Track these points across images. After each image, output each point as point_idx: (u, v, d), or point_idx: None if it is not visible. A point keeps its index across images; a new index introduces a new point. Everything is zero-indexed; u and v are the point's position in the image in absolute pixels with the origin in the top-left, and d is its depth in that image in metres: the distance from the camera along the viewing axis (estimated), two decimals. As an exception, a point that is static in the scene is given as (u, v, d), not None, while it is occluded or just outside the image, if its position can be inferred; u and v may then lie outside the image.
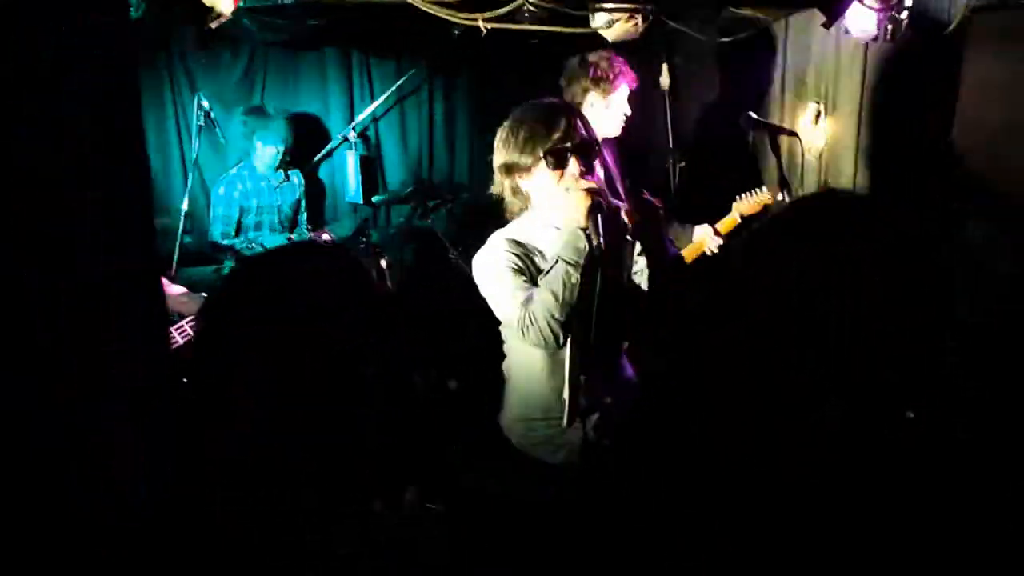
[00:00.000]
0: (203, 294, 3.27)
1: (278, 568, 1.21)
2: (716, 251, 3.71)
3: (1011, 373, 3.01)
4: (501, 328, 2.51)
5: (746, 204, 3.70)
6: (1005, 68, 3.00)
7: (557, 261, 2.20)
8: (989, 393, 2.89)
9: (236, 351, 1.23)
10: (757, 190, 3.70)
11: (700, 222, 3.80)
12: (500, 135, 2.34)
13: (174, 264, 4.12)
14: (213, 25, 2.43)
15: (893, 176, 3.70)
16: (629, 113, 3.48)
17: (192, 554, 1.19)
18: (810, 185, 4.15)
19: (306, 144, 5.13)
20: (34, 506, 1.09)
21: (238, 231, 4.64)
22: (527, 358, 2.43)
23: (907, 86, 3.56)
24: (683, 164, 4.66)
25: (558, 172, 2.23)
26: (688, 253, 3.74)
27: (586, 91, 3.43)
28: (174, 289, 3.29)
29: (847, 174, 4.00)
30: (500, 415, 2.59)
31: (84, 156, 1.07)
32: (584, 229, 2.18)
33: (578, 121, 2.26)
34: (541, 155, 2.22)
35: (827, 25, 2.87)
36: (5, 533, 1.07)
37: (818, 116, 4.05)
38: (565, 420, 2.40)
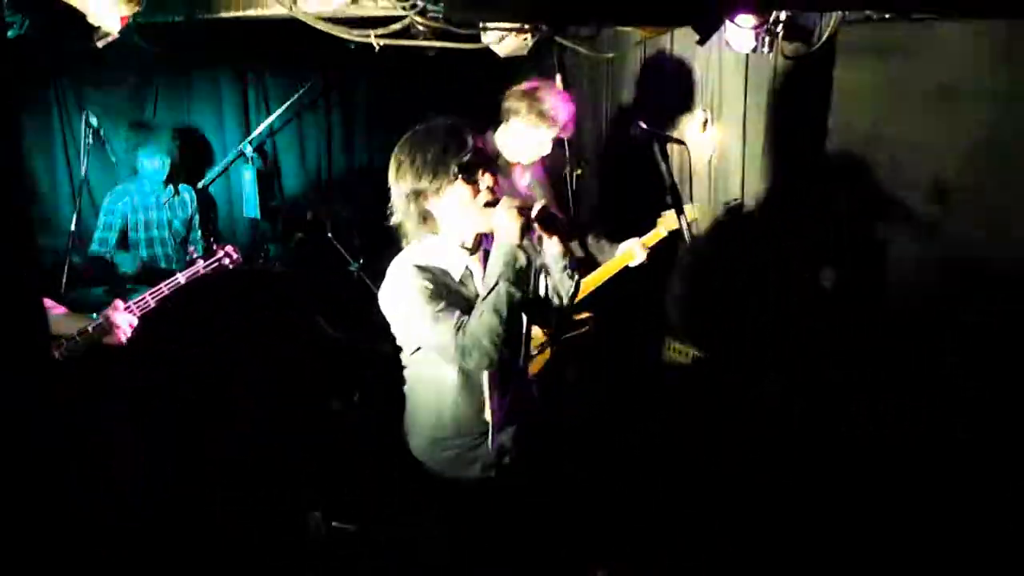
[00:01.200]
0: (92, 315, 3.21)
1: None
2: (642, 263, 3.83)
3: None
4: (404, 354, 2.50)
5: (672, 219, 3.80)
6: (871, 78, 3.20)
7: (498, 283, 2.18)
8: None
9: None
10: (684, 207, 3.81)
11: (603, 231, 3.92)
12: (400, 163, 2.29)
13: (63, 284, 4.02)
14: (100, 44, 2.39)
15: (778, 181, 3.89)
16: (547, 152, 3.57)
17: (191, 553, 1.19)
18: (700, 192, 4.32)
19: (200, 160, 5.06)
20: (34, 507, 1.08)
21: (124, 246, 4.54)
22: (436, 377, 2.43)
23: (785, 95, 3.75)
24: (579, 172, 4.77)
25: (472, 187, 2.24)
26: (612, 265, 3.84)
27: (514, 114, 3.50)
28: (57, 310, 3.24)
29: (735, 181, 4.17)
30: (409, 441, 2.59)
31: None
32: (520, 246, 2.19)
33: (478, 136, 2.27)
34: (453, 174, 2.20)
35: (701, 43, 3.02)
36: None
37: (705, 124, 4.21)
38: (490, 439, 2.47)
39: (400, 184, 2.29)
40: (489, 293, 2.19)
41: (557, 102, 3.47)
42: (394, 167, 2.30)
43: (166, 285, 3.55)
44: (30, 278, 1.29)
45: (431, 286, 2.27)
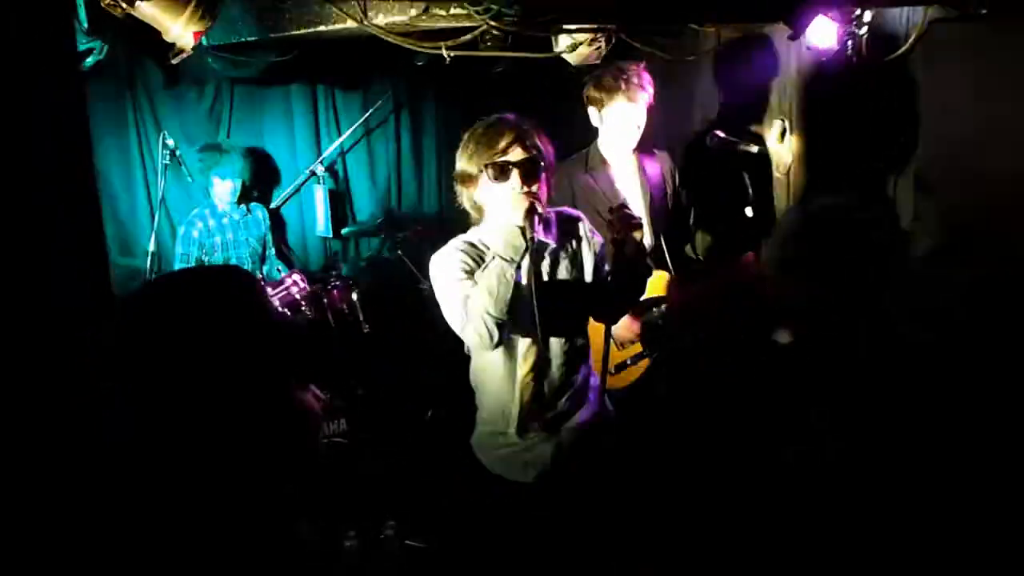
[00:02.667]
0: None
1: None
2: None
3: (960, 384, 3.02)
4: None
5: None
6: (966, 79, 3.03)
7: (493, 258, 2.24)
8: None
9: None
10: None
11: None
12: (458, 150, 2.43)
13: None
14: (175, 61, 2.40)
15: (864, 191, 3.73)
16: (639, 126, 3.46)
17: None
18: (779, 201, 4.18)
19: (273, 180, 5.11)
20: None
21: None
22: (488, 366, 2.49)
23: (869, 100, 3.59)
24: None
25: (499, 183, 2.30)
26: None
27: (593, 104, 3.46)
28: None
29: (814, 188, 4.03)
30: (473, 434, 2.61)
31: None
32: (520, 227, 2.24)
33: (523, 136, 2.31)
34: (483, 168, 2.31)
35: (793, 37, 2.91)
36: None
37: (783, 133, 4.08)
38: (513, 427, 2.45)
39: (456, 171, 2.43)
40: (485, 268, 2.27)
41: (619, 72, 3.38)
42: (459, 151, 2.44)
43: None
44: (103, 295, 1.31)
45: (469, 262, 2.37)
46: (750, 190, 3.10)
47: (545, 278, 2.42)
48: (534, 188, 2.30)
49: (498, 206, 2.34)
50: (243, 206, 4.69)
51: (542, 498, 2.46)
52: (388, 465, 3.63)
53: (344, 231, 5.00)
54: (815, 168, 3.99)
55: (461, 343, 2.54)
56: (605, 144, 3.55)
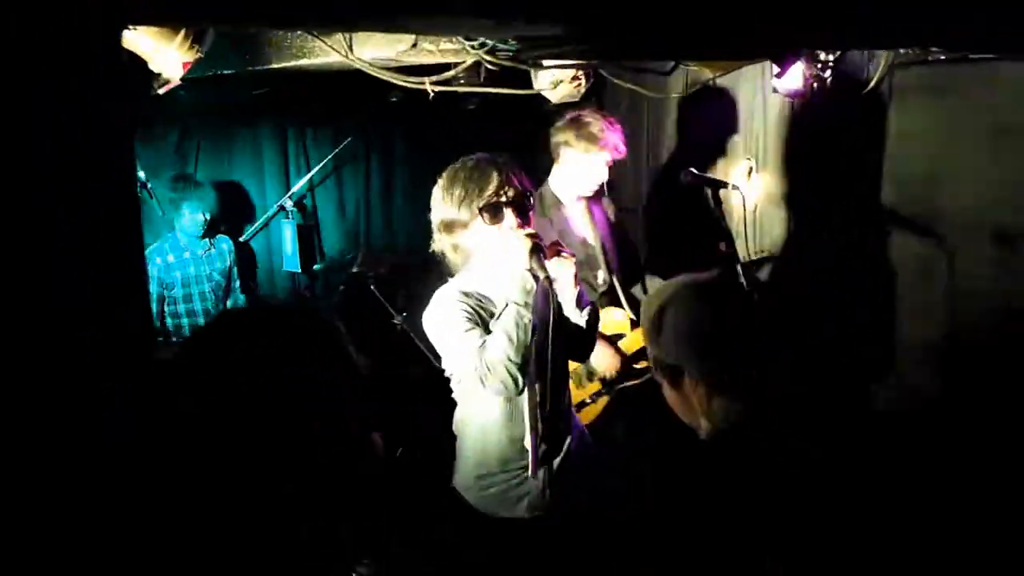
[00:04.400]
0: None
1: None
2: None
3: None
4: (453, 384, 2.51)
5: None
6: (927, 121, 3.14)
7: (507, 304, 2.22)
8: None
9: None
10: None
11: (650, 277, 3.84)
12: (436, 194, 2.38)
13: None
14: (161, 91, 2.39)
15: (825, 228, 3.82)
16: (605, 179, 3.51)
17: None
18: (740, 243, 4.25)
19: (241, 214, 5.07)
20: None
21: (160, 308, 4.50)
22: (483, 409, 2.44)
23: (834, 141, 3.69)
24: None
25: (495, 225, 2.28)
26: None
27: (563, 145, 3.47)
28: None
29: (780, 228, 4.11)
30: (455, 478, 2.56)
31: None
32: (529, 269, 2.22)
33: (510, 174, 2.32)
34: (477, 211, 2.27)
35: (780, 75, 3.00)
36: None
37: (750, 172, 4.17)
38: (530, 469, 2.39)
39: (435, 214, 2.39)
40: (498, 316, 2.25)
41: (604, 124, 3.42)
42: (433, 196, 2.40)
43: None
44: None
45: (470, 310, 2.33)
46: (723, 225, 3.16)
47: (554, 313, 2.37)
48: (528, 226, 2.30)
49: (491, 249, 2.32)
50: (206, 240, 4.63)
51: (539, 531, 2.44)
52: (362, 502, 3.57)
53: (316, 267, 4.97)
54: (781, 207, 4.08)
55: (437, 380, 2.52)
56: (560, 186, 3.58)
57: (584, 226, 3.64)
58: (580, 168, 3.48)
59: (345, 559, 1.24)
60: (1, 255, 1.20)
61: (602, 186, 3.62)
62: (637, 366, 3.57)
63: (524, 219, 2.32)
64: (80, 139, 1.27)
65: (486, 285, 2.41)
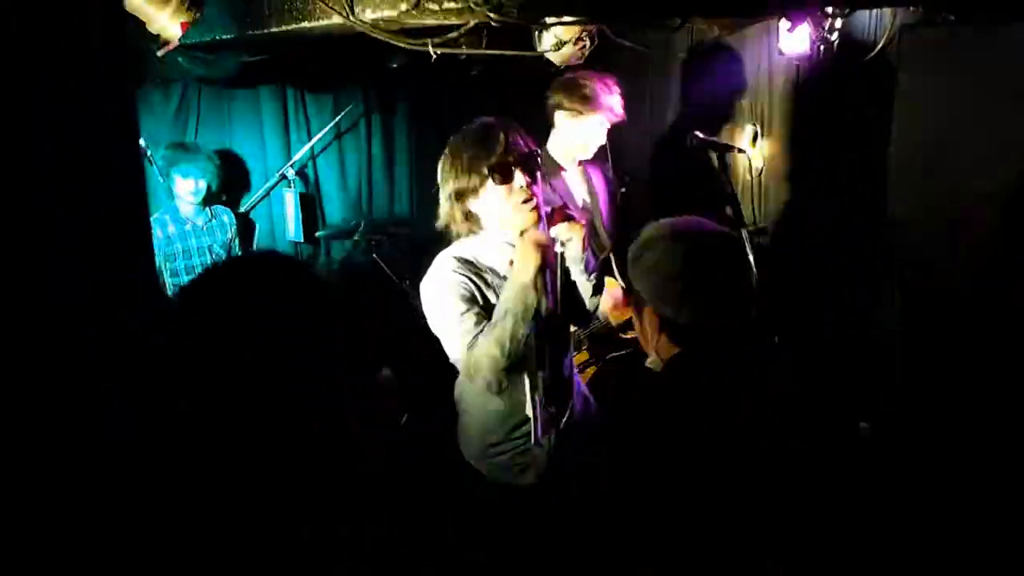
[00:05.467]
0: None
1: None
2: None
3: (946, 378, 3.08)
4: (451, 357, 2.45)
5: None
6: (934, 83, 3.11)
7: (506, 316, 2.19)
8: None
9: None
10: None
11: None
12: (443, 164, 2.35)
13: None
14: (160, 53, 2.36)
15: (830, 193, 3.80)
16: (602, 142, 3.44)
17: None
18: (747, 203, 4.23)
19: (242, 184, 5.03)
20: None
21: (162, 279, 4.48)
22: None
23: (840, 105, 3.66)
24: (623, 190, 4.70)
25: (506, 187, 2.26)
26: None
27: (557, 108, 3.41)
28: None
29: (785, 193, 4.09)
30: (463, 449, 2.56)
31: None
32: (534, 286, 2.20)
33: (515, 135, 2.29)
34: (487, 172, 2.24)
35: (791, 30, 2.95)
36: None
37: (755, 137, 4.14)
38: (532, 436, 2.38)
39: (444, 184, 2.36)
40: (496, 326, 2.21)
41: (599, 85, 3.34)
42: (439, 169, 2.37)
43: None
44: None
45: (467, 284, 2.30)
46: (729, 190, 3.13)
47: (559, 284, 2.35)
48: (537, 185, 2.29)
49: (500, 214, 2.31)
50: (207, 210, 4.59)
51: (545, 498, 2.43)
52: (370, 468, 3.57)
53: (318, 234, 4.94)
54: (787, 172, 4.05)
55: (440, 349, 2.50)
56: (559, 150, 3.51)
57: (582, 192, 3.59)
58: (575, 132, 3.41)
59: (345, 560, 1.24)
60: (1, 255, 1.20)
61: (604, 151, 3.57)
62: (625, 336, 3.56)
63: (533, 178, 2.30)
64: (80, 139, 1.26)
65: (490, 254, 2.38)
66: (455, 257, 2.35)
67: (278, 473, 1.16)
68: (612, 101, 3.37)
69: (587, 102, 3.32)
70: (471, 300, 2.28)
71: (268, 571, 1.15)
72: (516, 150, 2.27)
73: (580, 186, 3.59)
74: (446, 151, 2.35)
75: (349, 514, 1.24)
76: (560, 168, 3.51)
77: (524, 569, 2.38)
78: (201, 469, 1.14)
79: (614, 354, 3.57)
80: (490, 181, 2.25)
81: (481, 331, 2.23)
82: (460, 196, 2.32)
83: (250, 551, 1.14)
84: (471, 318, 2.25)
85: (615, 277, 3.63)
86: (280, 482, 1.16)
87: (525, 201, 2.27)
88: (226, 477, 1.15)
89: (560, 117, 3.42)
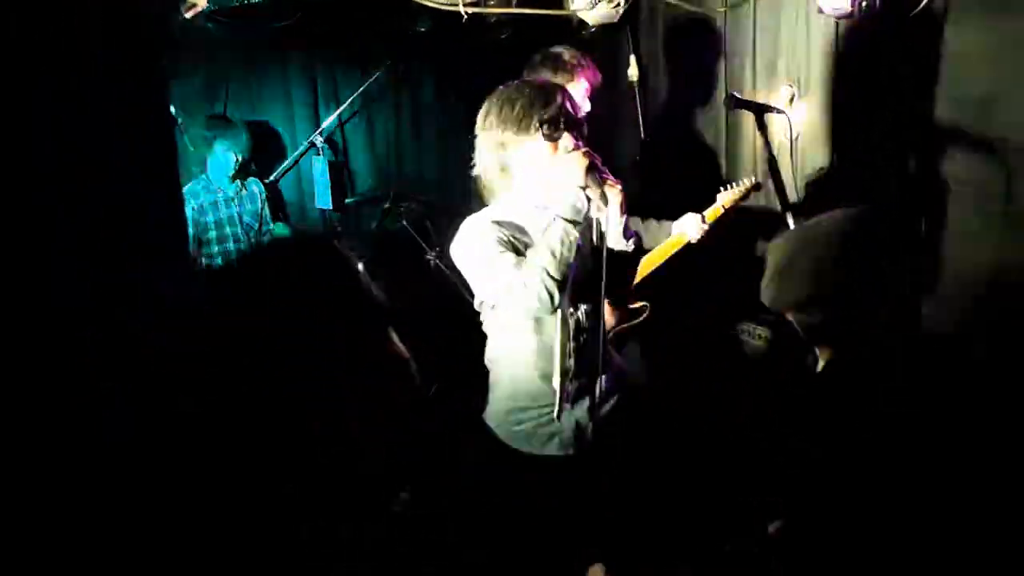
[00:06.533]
0: None
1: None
2: (698, 239, 3.63)
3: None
4: (484, 317, 2.47)
5: (729, 195, 3.64)
6: (984, 39, 2.98)
7: (555, 219, 2.17)
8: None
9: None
10: (740, 180, 3.66)
11: (677, 213, 3.74)
12: (490, 111, 2.31)
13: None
14: (188, 15, 2.32)
15: (870, 156, 3.68)
16: (588, 109, 3.39)
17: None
18: (785, 167, 4.12)
19: (271, 152, 5.03)
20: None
21: (197, 249, 4.51)
22: (514, 344, 2.40)
23: (883, 64, 3.54)
24: (637, 158, 4.65)
25: (552, 144, 2.23)
26: (669, 245, 3.67)
27: (533, 73, 3.36)
28: None
29: (823, 156, 3.98)
30: (486, 411, 2.54)
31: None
32: (583, 187, 2.16)
33: (571, 99, 2.30)
34: (535, 127, 2.21)
35: None
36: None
37: (792, 98, 4.03)
38: (555, 411, 2.37)
39: (485, 133, 2.33)
40: (546, 229, 2.19)
41: (574, 52, 3.37)
42: (482, 116, 2.34)
43: None
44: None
45: (503, 237, 2.28)
46: (768, 152, 3.05)
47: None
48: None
49: (540, 171, 2.27)
50: (237, 182, 4.62)
51: (571, 469, 2.41)
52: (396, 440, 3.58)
53: (347, 200, 4.94)
54: (825, 135, 3.94)
55: (470, 316, 2.47)
56: None
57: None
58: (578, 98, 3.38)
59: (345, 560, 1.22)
60: (1, 255, 1.19)
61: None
62: (633, 306, 3.52)
63: (582, 138, 2.29)
64: (80, 139, 1.25)
65: (523, 215, 2.35)
66: (490, 219, 2.34)
67: (278, 473, 1.15)
68: (591, 68, 3.40)
69: (572, 71, 3.34)
70: (509, 246, 2.27)
71: (268, 571, 1.14)
72: (570, 113, 2.26)
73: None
74: (494, 99, 2.32)
75: (349, 514, 1.23)
76: None
77: (541, 543, 2.37)
78: (201, 469, 1.13)
79: (623, 325, 3.52)
80: (540, 135, 2.23)
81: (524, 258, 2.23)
82: (502, 146, 2.29)
83: (250, 551, 1.14)
84: (510, 256, 2.24)
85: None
86: (280, 482, 1.15)
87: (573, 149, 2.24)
88: (226, 477, 1.14)
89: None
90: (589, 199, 2.16)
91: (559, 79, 3.28)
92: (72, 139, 1.27)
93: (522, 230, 2.35)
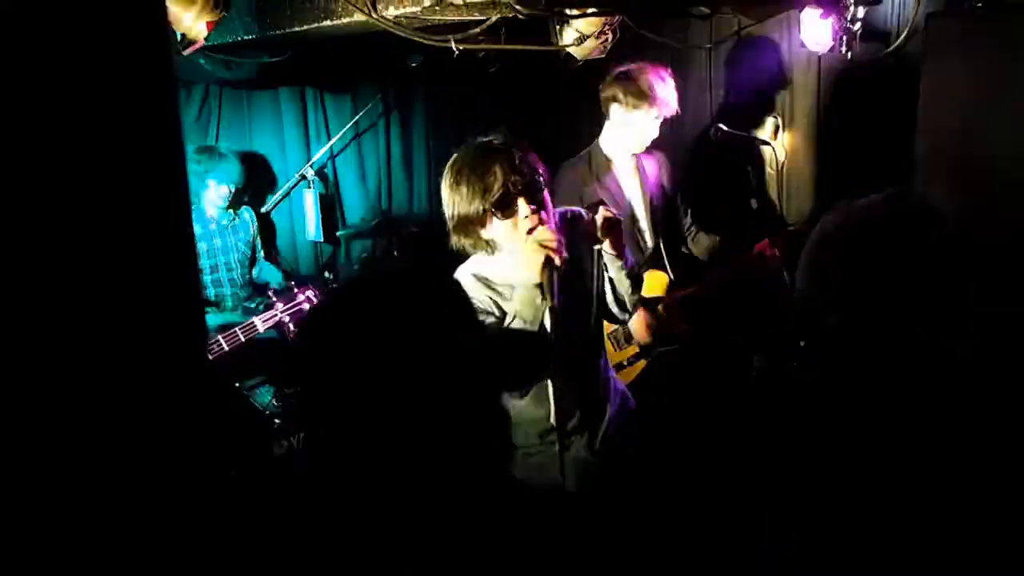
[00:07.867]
0: None
1: None
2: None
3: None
4: None
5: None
6: (962, 73, 3.06)
7: (515, 318, 2.19)
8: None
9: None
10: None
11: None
12: (444, 192, 2.27)
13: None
14: (186, 53, 2.37)
15: (852, 186, 3.75)
16: (655, 135, 3.41)
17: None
18: (772, 198, 4.20)
19: (262, 184, 5.06)
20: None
21: None
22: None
23: (863, 96, 3.63)
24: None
25: (510, 220, 2.19)
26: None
27: (611, 101, 3.37)
28: None
29: (807, 187, 4.06)
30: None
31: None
32: (539, 285, 2.19)
33: (514, 161, 2.18)
34: (488, 209, 2.17)
35: (824, 16, 2.92)
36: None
37: (777, 130, 4.11)
38: (557, 443, 2.38)
39: (448, 212, 2.28)
40: (506, 331, 2.23)
41: (654, 77, 3.31)
42: (443, 191, 2.28)
43: (241, 330, 3.51)
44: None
45: (480, 298, 2.27)
46: (754, 182, 3.11)
47: (559, 300, 2.28)
48: (544, 210, 2.23)
49: (511, 240, 2.24)
50: (230, 211, 4.63)
51: (574, 499, 2.43)
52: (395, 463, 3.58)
53: (339, 233, 4.96)
54: (808, 165, 4.02)
55: None
56: (611, 144, 3.50)
57: (633, 186, 3.56)
58: (630, 125, 3.37)
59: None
60: (1, 255, 1.21)
61: (660, 144, 3.54)
62: (674, 332, 3.52)
63: (538, 204, 2.22)
64: (82, 139, 1.26)
65: (505, 265, 2.33)
66: (471, 273, 2.32)
67: (279, 472, 1.17)
68: (667, 94, 3.33)
69: (642, 96, 3.29)
70: (487, 314, 2.26)
71: (268, 571, 1.16)
72: (516, 179, 2.17)
73: (631, 179, 3.56)
74: (446, 175, 2.27)
75: (345, 511, 1.25)
76: (610, 162, 3.50)
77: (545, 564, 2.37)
78: (202, 468, 1.15)
79: (664, 348, 3.53)
80: (494, 219, 2.19)
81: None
82: (464, 227, 2.25)
83: (250, 550, 1.15)
84: (487, 325, 2.23)
85: (666, 269, 3.61)
86: (281, 482, 1.18)
87: (530, 231, 2.20)
88: (226, 477, 1.16)
89: (615, 110, 3.39)
90: (549, 295, 2.19)
91: (628, 102, 3.29)
92: (73, 138, 1.28)
93: (510, 287, 2.32)
